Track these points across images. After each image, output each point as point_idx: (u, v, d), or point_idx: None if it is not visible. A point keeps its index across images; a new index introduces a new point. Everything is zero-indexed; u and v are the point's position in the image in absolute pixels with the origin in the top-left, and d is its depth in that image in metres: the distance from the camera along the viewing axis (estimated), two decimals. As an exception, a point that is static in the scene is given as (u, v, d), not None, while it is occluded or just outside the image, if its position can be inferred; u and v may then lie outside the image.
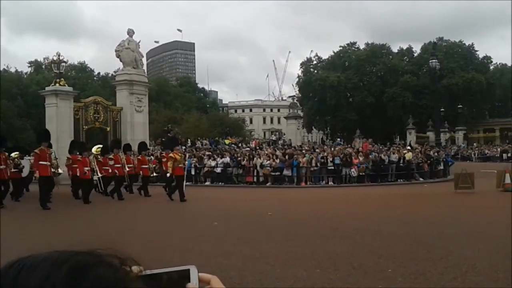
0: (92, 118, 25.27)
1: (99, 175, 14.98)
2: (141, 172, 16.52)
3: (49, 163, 12.65)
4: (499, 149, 43.96)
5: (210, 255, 6.00)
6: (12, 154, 15.29)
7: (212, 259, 5.77)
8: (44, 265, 0.58)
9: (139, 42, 28.25)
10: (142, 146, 17.98)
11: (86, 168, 13.82)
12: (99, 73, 69.94)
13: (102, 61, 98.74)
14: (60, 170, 15.78)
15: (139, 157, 16.93)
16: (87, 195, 13.35)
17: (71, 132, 23.03)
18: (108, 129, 25.87)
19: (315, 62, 70.80)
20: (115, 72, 40.06)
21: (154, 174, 18.48)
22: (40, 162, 12.42)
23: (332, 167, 20.58)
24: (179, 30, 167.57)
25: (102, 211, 11.91)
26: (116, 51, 27.59)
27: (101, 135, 25.27)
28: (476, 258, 5.42)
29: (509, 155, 40.25)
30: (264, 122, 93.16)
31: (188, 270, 0.72)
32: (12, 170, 14.26)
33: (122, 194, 14.59)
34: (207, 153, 25.62)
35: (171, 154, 14.24)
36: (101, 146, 17.01)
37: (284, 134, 54.20)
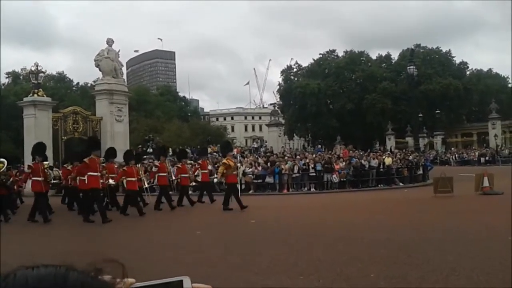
0: (71, 129, 24.98)
1: (147, 184, 14.30)
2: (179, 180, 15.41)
3: (99, 174, 11.77)
4: (477, 153, 44.76)
5: (194, 264, 5.98)
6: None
7: (196, 268, 5.75)
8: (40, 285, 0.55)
9: (118, 51, 28.07)
10: (183, 153, 17.28)
11: (133, 179, 12.86)
12: (78, 83, 69.18)
13: (81, 70, 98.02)
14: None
15: (178, 165, 15.77)
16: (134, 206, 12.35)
17: (50, 143, 22.70)
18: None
19: (295, 69, 71.34)
20: (94, 81, 39.74)
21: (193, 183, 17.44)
22: (90, 173, 11.56)
23: (314, 174, 20.71)
24: (159, 39, 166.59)
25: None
26: (95, 60, 27.37)
27: (80, 145, 24.98)
28: (457, 261, 5.51)
29: (487, 158, 41.06)
30: (246, 129, 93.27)
31: (181, 281, 0.70)
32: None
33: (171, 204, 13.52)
34: (188, 161, 25.50)
35: (224, 160, 13.59)
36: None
37: (266, 142, 54.33)
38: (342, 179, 20.74)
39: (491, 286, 4.40)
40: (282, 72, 71.22)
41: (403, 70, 55.53)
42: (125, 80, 31.93)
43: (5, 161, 13.26)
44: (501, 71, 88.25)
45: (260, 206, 13.20)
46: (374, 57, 68.75)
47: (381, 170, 21.89)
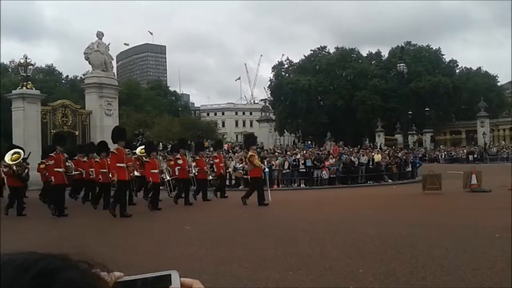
0: (60, 122, 24.77)
1: (168, 177, 13.74)
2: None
3: (125, 165, 11.25)
4: (465, 151, 45.18)
5: (183, 259, 5.97)
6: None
7: (185, 262, 5.74)
8: (8, 268, 0.53)
9: (108, 44, 27.85)
10: (200, 146, 16.47)
11: (155, 171, 12.48)
12: (67, 76, 68.62)
13: (70, 63, 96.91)
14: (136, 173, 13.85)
15: (197, 158, 14.94)
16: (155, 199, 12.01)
17: (39, 136, 22.52)
18: (77, 133, 25.41)
19: (286, 65, 71.37)
20: (84, 75, 39.38)
21: (211, 177, 16.69)
22: (118, 165, 11.07)
23: (304, 170, 20.76)
24: (150, 32, 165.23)
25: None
26: (85, 53, 27.12)
27: (69, 139, 24.80)
28: (444, 257, 5.56)
29: (475, 156, 41.46)
30: (237, 125, 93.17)
31: (170, 275, 0.69)
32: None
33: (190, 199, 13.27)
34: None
35: (251, 153, 13.07)
36: (143, 147, 15.03)
37: (257, 137, 54.33)
38: (332, 176, 20.82)
39: (478, 282, 4.45)
40: (273, 68, 71.30)
41: (393, 68, 55.89)
42: (115, 74, 31.70)
43: (22, 152, 12.73)
44: (490, 69, 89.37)
45: (250, 201, 13.16)
46: (364, 54, 69.06)
47: (371, 166, 22.02)
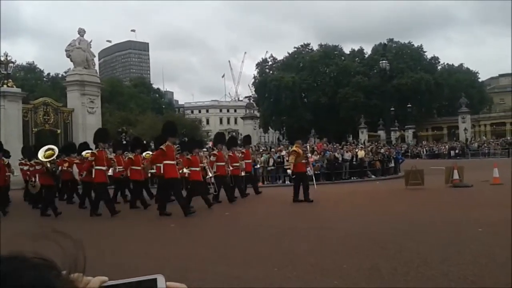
0: (42, 120, 24.45)
1: (211, 174, 12.72)
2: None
3: (175, 162, 10.70)
4: (447, 146, 45.79)
5: (168, 258, 5.94)
6: (83, 153, 13.20)
7: (171, 262, 5.71)
8: None
9: (90, 41, 27.53)
10: (233, 141, 15.35)
11: (197, 168, 11.72)
12: (48, 73, 67.78)
13: (52, 61, 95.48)
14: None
15: (230, 154, 13.91)
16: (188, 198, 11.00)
17: (20, 135, 22.19)
18: (59, 131, 25.10)
19: (270, 63, 71.42)
20: (65, 72, 38.89)
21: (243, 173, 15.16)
22: (167, 162, 10.44)
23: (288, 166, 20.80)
24: (132, 30, 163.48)
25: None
26: (66, 50, 26.79)
27: (51, 137, 24.48)
28: (428, 252, 5.62)
29: (456, 152, 42.03)
30: (221, 122, 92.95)
31: (155, 279, 0.67)
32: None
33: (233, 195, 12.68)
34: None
35: (294, 148, 12.61)
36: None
37: (241, 135, 54.36)
38: (316, 172, 20.90)
39: (461, 276, 4.51)
40: (257, 65, 71.33)
41: (375, 65, 56.36)
42: (97, 71, 31.36)
43: (56, 149, 11.95)
44: (471, 65, 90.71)
45: (225, 198, 13.14)
46: (347, 52, 69.42)
47: (354, 163, 22.17)
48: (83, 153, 13.07)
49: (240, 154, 14.19)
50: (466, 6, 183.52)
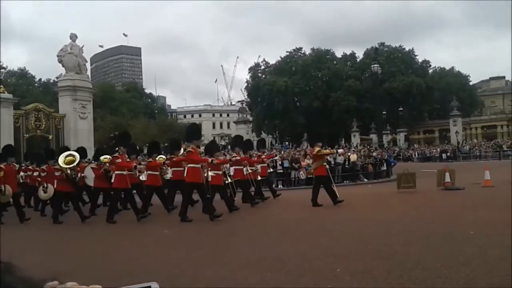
0: (33, 126, 24.34)
1: (229, 180, 12.39)
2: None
3: (200, 166, 10.42)
4: (438, 149, 46.06)
5: (162, 263, 5.92)
6: (101, 158, 12.86)
7: (164, 266, 5.70)
8: None
9: (82, 46, 27.50)
10: (262, 143, 15.25)
11: (217, 172, 11.34)
12: (40, 79, 67.46)
13: (43, 66, 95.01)
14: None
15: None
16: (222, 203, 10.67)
17: (11, 141, 22.02)
18: (50, 137, 25.00)
19: (262, 67, 71.56)
20: (57, 77, 38.76)
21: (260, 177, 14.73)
22: (191, 165, 10.23)
23: (282, 171, 20.85)
24: (124, 34, 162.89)
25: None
26: (58, 56, 26.73)
27: (43, 143, 24.36)
28: (421, 255, 5.65)
29: (448, 154, 42.30)
30: (214, 127, 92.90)
31: (149, 287, 0.67)
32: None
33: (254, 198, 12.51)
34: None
35: (318, 150, 12.27)
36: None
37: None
38: (309, 176, 20.95)
39: (454, 278, 4.54)
40: (250, 69, 71.46)
41: (367, 68, 56.73)
42: (89, 76, 31.30)
43: (77, 155, 11.62)
44: (462, 68, 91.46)
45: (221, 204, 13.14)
46: (339, 56, 69.77)
47: (347, 166, 22.24)
48: (101, 158, 12.83)
49: (256, 158, 13.93)
50: (456, 9, 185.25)
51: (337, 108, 60.27)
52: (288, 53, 71.11)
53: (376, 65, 35.49)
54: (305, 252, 6.22)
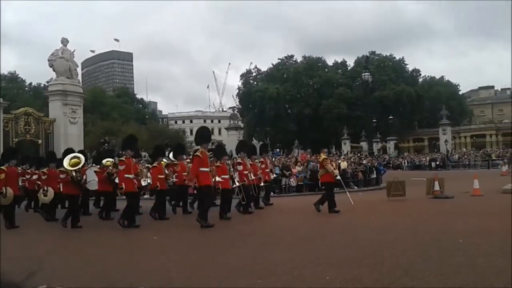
0: (22, 130, 24.16)
1: (237, 183, 12.32)
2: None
3: (209, 170, 10.29)
4: (428, 158, 46.35)
5: (149, 270, 5.88)
6: (104, 161, 12.80)
7: (152, 273, 5.66)
8: None
9: (73, 51, 27.39)
10: (265, 148, 15.53)
11: (226, 176, 11.42)
12: (30, 83, 67.03)
13: (34, 70, 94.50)
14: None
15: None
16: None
17: (1, 145, 21.85)
18: (40, 141, 24.83)
19: (254, 74, 71.78)
20: (47, 82, 38.53)
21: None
22: (202, 169, 10.01)
23: (272, 177, 20.81)
24: (116, 40, 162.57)
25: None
26: (49, 60, 26.62)
27: (32, 148, 24.16)
28: (410, 263, 5.67)
29: (437, 163, 42.59)
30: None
31: None
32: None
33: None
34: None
35: (323, 156, 12.28)
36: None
37: (225, 145, 54.34)
38: (299, 183, 20.97)
39: (443, 287, 4.56)
40: (242, 76, 71.70)
41: (358, 77, 57.11)
42: (80, 81, 31.20)
43: (83, 157, 11.59)
44: (452, 78, 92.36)
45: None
46: (330, 63, 70.22)
47: (337, 174, 22.28)
48: (104, 161, 12.77)
49: (260, 164, 13.92)
50: (446, 19, 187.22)
51: (328, 115, 60.56)
52: (280, 60, 71.50)
53: (367, 73, 35.71)
54: (294, 260, 6.21)
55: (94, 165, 13.46)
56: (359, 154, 33.83)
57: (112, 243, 8.77)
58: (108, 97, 72.37)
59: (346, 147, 53.53)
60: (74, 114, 26.60)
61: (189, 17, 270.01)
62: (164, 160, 13.33)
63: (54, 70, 26.78)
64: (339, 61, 70.45)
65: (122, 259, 6.88)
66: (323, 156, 12.30)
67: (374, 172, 25.01)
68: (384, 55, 69.05)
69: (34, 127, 24.78)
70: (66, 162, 10.97)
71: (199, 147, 10.80)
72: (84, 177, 11.74)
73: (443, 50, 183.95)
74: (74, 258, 7.18)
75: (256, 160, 13.89)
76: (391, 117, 58.65)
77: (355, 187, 22.31)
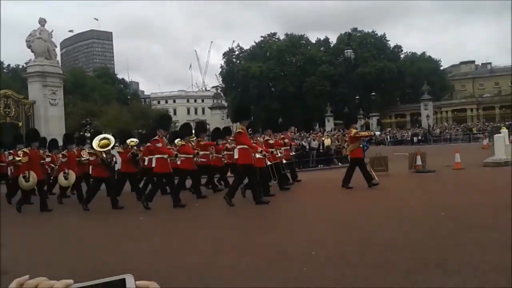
0: (2, 113, 23.74)
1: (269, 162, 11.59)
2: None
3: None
4: (410, 133, 46.87)
5: (136, 253, 5.89)
6: (128, 141, 12.28)
7: (138, 256, 5.68)
8: None
9: (51, 31, 26.79)
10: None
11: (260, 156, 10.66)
12: (9, 65, 65.46)
13: (11, 52, 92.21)
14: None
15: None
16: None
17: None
18: (20, 124, 24.40)
19: (237, 52, 71.13)
20: (26, 63, 37.72)
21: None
22: (241, 147, 9.84)
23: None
24: (95, 19, 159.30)
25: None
26: (27, 41, 26.02)
27: (13, 131, 23.76)
28: (393, 237, 5.79)
29: (419, 138, 43.12)
30: (188, 113, 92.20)
31: (124, 279, 0.64)
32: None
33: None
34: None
35: (352, 133, 11.91)
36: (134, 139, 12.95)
37: (209, 125, 54.15)
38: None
39: (425, 258, 4.66)
40: (224, 54, 70.96)
41: (341, 54, 57.02)
42: (59, 62, 30.58)
43: (112, 138, 10.84)
44: (433, 53, 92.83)
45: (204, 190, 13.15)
46: (313, 41, 69.82)
47: (321, 151, 22.45)
48: (128, 141, 12.30)
49: (281, 141, 13.50)
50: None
51: (312, 93, 60.55)
52: (262, 38, 70.90)
53: (349, 50, 35.63)
54: (279, 238, 6.29)
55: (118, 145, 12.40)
56: (342, 131, 33.96)
57: (99, 225, 8.74)
58: (89, 77, 71.20)
59: (329, 124, 53.69)
60: (54, 96, 26.16)
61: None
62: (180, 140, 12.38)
63: (32, 51, 26.21)
64: (322, 39, 70.13)
65: (108, 243, 6.88)
66: (354, 130, 12.15)
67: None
68: (366, 31, 68.89)
69: (14, 110, 24.34)
70: (95, 143, 10.43)
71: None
72: (114, 159, 11.25)
73: (424, 26, 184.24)
74: (57, 244, 7.14)
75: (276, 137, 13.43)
76: (373, 93, 58.90)
77: (339, 164, 22.49)
